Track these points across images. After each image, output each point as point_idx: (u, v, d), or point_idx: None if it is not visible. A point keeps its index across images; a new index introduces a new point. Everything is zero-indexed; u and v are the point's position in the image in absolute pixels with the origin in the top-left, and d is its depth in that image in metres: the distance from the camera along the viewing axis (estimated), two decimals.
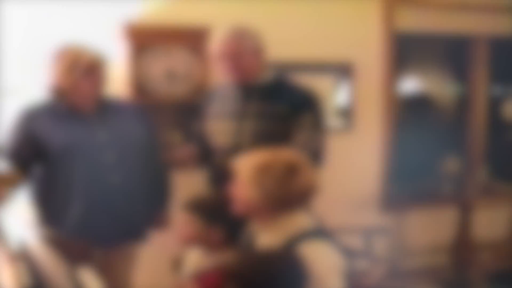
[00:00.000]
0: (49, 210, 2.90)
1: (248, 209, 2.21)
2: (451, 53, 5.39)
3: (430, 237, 4.92)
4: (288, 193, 2.13)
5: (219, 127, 3.13)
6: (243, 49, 2.97)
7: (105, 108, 2.94)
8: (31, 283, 1.77)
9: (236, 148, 2.95)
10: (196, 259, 2.57)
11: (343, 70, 4.44)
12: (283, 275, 1.97)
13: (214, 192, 2.58)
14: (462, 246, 4.63)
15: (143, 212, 3.03)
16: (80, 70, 2.79)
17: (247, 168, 2.19)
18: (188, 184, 3.19)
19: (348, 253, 3.62)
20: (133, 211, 2.96)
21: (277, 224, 2.18)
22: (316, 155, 2.92)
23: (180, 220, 2.49)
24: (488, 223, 4.97)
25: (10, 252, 2.00)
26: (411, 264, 4.89)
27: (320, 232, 2.18)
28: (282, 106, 2.99)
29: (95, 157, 2.85)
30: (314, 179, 2.21)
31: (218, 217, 2.42)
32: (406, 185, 5.06)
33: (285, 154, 2.24)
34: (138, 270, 3.22)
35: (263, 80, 3.06)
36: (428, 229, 4.92)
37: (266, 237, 2.23)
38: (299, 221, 2.19)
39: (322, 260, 2.06)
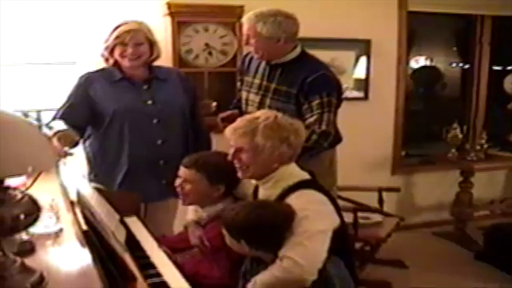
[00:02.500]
0: (102, 166, 2.96)
1: (241, 161, 2.28)
2: (457, 31, 5.37)
3: (435, 196, 5.01)
4: (271, 146, 2.20)
5: (248, 97, 3.17)
6: (256, 32, 2.94)
7: (153, 76, 2.97)
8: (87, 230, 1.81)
9: None
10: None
11: (363, 46, 4.46)
12: (265, 220, 2.05)
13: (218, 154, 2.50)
14: (463, 204, 4.69)
15: None
16: (132, 42, 2.83)
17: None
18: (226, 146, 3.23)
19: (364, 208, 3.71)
20: (174, 170, 2.98)
21: (272, 178, 2.25)
22: (325, 136, 2.86)
23: (186, 177, 2.47)
24: (486, 184, 5.03)
25: (71, 202, 2.04)
26: (418, 219, 4.98)
27: (310, 183, 2.25)
28: (294, 88, 2.95)
29: (142, 120, 2.89)
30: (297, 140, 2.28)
31: (222, 177, 2.42)
32: (415, 149, 5.11)
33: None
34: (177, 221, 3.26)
35: (284, 60, 3.03)
36: (434, 189, 4.99)
37: (265, 190, 2.31)
38: (292, 175, 2.25)
39: (307, 206, 2.09)
